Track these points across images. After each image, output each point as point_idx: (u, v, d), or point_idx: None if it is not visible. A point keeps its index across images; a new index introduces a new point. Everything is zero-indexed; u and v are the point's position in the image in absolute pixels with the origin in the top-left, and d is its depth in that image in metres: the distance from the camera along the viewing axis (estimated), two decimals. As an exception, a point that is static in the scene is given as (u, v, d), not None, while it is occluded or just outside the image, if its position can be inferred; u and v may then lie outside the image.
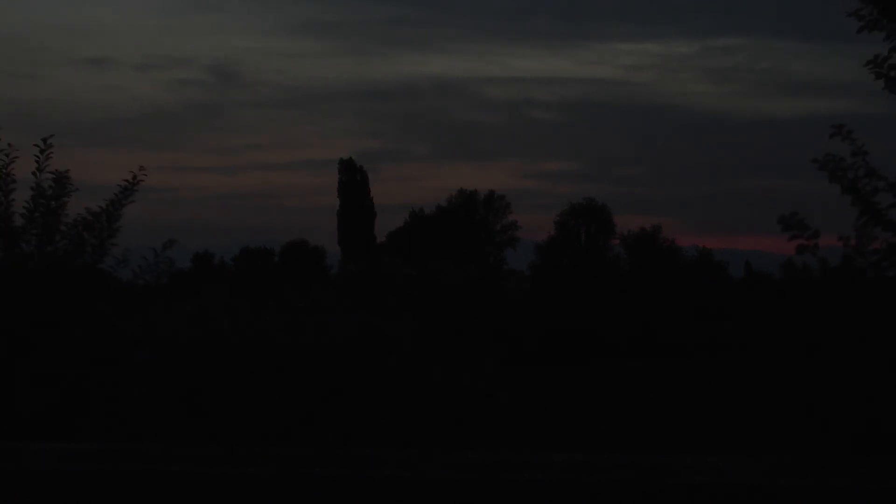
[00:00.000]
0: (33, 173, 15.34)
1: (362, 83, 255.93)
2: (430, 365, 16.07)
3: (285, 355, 15.41)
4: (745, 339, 57.25)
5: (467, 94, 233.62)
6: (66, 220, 15.36)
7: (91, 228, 15.35)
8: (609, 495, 8.45)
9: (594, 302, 63.94)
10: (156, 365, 14.99)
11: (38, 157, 15.34)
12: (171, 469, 9.35)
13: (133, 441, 12.88)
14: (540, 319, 56.66)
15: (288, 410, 15.05)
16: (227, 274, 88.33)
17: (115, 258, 15.57)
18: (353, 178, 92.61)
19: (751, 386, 35.09)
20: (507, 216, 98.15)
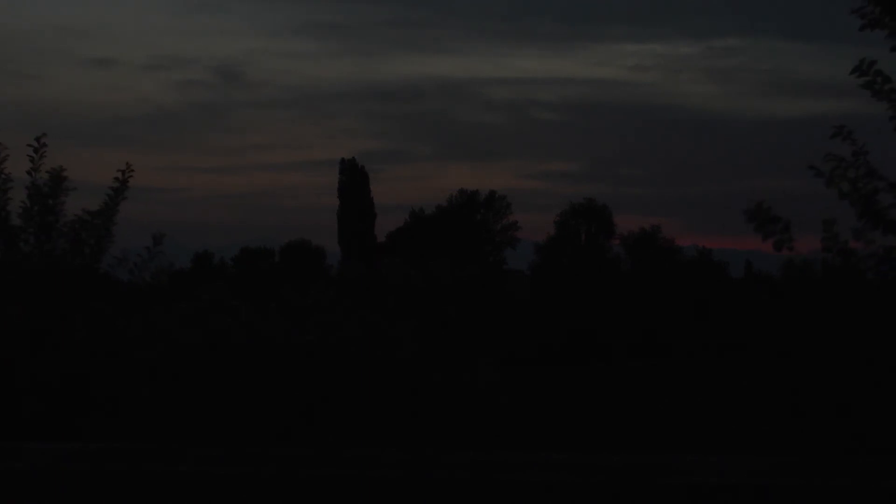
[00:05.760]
0: (28, 172, 15.38)
1: (365, 84, 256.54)
2: (430, 365, 16.07)
3: (285, 355, 15.40)
4: (745, 339, 57.23)
5: (470, 95, 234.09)
6: (64, 219, 15.38)
7: (88, 228, 15.37)
8: (609, 495, 8.45)
9: (594, 302, 63.93)
10: (156, 365, 14.98)
11: (32, 156, 15.38)
12: (172, 469, 9.36)
13: (133, 441, 12.87)
14: (540, 320, 56.65)
15: (288, 410, 15.05)
16: (227, 274, 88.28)
17: (114, 258, 15.61)
18: (353, 179, 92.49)
19: (751, 386, 35.07)
20: (507, 216, 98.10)
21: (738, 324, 61.66)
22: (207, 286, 16.17)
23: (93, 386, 14.69)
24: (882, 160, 10.44)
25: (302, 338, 15.56)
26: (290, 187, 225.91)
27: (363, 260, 74.15)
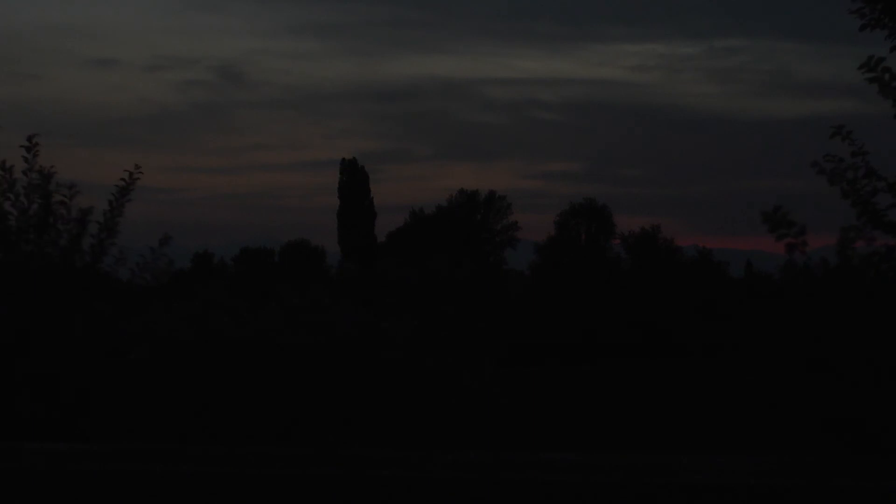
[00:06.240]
0: (24, 173, 15.37)
1: (366, 84, 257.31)
2: (430, 364, 16.07)
3: (285, 354, 15.40)
4: (745, 340, 57.19)
5: (470, 95, 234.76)
6: (63, 219, 15.38)
7: (89, 228, 15.38)
8: (609, 495, 8.45)
9: (594, 302, 63.92)
10: (155, 364, 14.99)
11: (26, 156, 15.37)
12: (172, 469, 9.35)
13: (133, 441, 12.87)
14: (540, 319, 56.65)
15: (288, 410, 15.05)
16: (226, 274, 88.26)
17: (114, 258, 15.60)
18: (353, 179, 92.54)
19: (751, 386, 35.08)
20: (507, 216, 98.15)
21: (738, 323, 61.62)
22: (207, 285, 16.17)
23: (92, 386, 14.69)
24: (882, 160, 10.47)
25: (301, 337, 15.56)
26: (290, 187, 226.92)
27: (363, 260, 74.16)
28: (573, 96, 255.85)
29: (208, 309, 15.78)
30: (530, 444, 16.58)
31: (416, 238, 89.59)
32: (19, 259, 15.16)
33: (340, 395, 15.37)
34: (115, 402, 14.70)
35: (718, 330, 61.16)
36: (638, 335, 60.37)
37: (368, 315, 16.35)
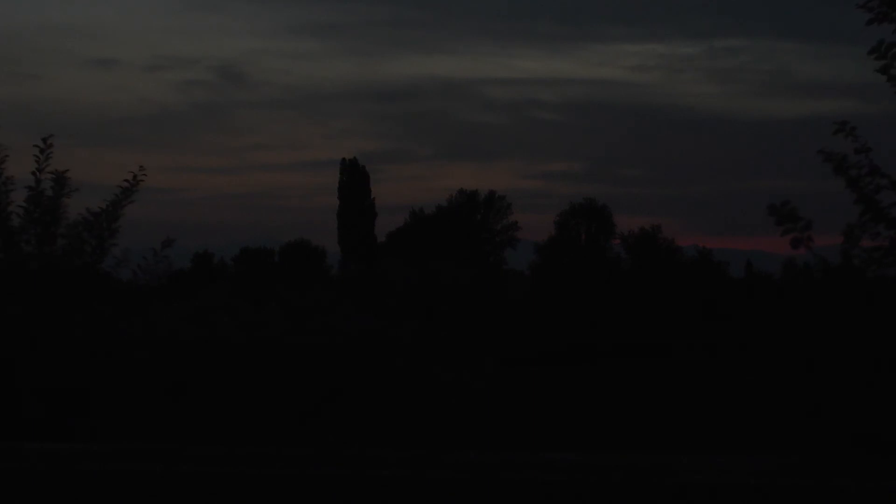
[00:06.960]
0: (33, 173, 15.33)
1: (366, 84, 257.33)
2: (431, 365, 16.06)
3: (286, 355, 15.39)
4: (746, 339, 57.18)
5: (471, 95, 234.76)
6: (66, 220, 15.35)
7: (91, 229, 15.33)
8: (608, 495, 8.45)
9: (594, 302, 63.90)
10: (156, 365, 14.97)
11: (37, 157, 15.33)
12: (172, 469, 9.35)
13: (133, 441, 12.87)
14: (540, 320, 56.62)
15: (288, 410, 15.04)
16: (227, 274, 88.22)
17: (115, 258, 15.57)
18: (353, 179, 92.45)
19: (751, 386, 35.06)
20: (508, 216, 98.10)
21: (738, 323, 61.56)
22: (208, 286, 16.18)
23: (92, 386, 14.68)
24: (883, 160, 10.47)
25: (302, 338, 15.56)
26: (290, 187, 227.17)
27: (363, 260, 74.14)
28: (573, 96, 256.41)
29: (209, 309, 15.77)
30: (530, 444, 16.58)
31: (417, 238, 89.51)
32: (19, 259, 15.15)
33: (341, 396, 15.36)
34: (115, 403, 14.69)
35: (718, 330, 61.05)
36: (638, 335, 60.32)
37: (369, 316, 16.36)
